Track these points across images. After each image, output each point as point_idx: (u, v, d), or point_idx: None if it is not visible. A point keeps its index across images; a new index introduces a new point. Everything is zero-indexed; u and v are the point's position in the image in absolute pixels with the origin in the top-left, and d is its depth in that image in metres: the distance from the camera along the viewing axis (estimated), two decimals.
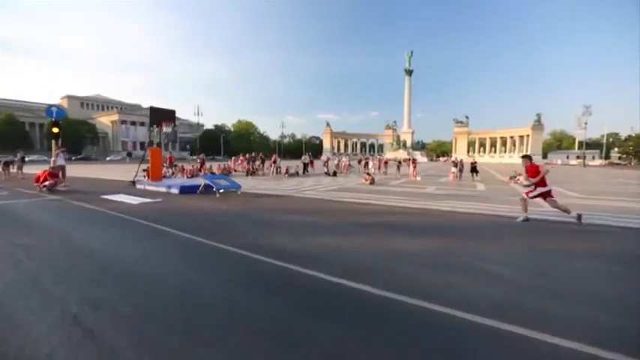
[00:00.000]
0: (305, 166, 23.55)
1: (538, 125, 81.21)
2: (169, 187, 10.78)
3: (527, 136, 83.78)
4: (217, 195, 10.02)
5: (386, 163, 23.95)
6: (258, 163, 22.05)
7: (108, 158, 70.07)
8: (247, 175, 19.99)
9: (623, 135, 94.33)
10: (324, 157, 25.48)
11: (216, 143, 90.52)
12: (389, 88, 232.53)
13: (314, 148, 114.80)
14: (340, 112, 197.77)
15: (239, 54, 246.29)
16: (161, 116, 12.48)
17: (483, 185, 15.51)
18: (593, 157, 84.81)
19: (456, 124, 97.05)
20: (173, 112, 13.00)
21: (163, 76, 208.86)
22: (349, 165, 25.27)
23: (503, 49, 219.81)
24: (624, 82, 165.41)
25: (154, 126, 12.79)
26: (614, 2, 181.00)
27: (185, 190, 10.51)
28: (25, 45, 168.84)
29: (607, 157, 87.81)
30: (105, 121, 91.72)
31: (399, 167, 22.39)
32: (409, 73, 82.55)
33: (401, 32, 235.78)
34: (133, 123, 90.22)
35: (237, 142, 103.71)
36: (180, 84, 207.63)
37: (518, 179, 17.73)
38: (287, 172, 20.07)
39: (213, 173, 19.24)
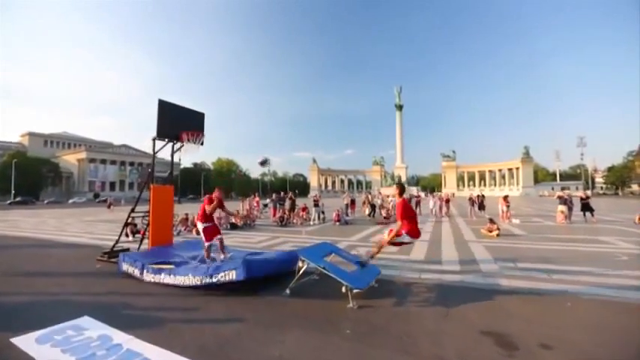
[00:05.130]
0: (345, 207, 17.66)
1: (527, 158, 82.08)
2: (209, 275, 4.33)
3: (517, 168, 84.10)
4: (352, 304, 3.80)
5: (448, 201, 18.56)
6: (288, 204, 15.72)
7: (71, 200, 59.63)
8: (281, 224, 13.61)
9: (589, 166, 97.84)
10: (363, 196, 19.74)
11: (196, 182, 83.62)
12: (362, 127, 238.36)
13: (299, 185, 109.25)
14: (315, 150, 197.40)
15: (217, 97, 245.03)
16: (179, 121, 6.28)
17: None
18: (577, 188, 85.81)
19: (444, 159, 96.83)
20: (202, 115, 6.95)
21: (137, 116, 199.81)
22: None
23: (468, 84, 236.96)
24: (588, 118, 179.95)
25: (165, 145, 6.38)
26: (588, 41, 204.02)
27: (249, 276, 4.17)
28: None
29: (592, 187, 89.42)
30: (71, 159, 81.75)
31: (473, 205, 17.05)
32: (399, 108, 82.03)
33: (374, 74, 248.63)
34: (103, 161, 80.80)
35: (218, 181, 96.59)
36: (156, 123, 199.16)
37: None
38: (338, 219, 13.95)
39: (234, 225, 12.70)
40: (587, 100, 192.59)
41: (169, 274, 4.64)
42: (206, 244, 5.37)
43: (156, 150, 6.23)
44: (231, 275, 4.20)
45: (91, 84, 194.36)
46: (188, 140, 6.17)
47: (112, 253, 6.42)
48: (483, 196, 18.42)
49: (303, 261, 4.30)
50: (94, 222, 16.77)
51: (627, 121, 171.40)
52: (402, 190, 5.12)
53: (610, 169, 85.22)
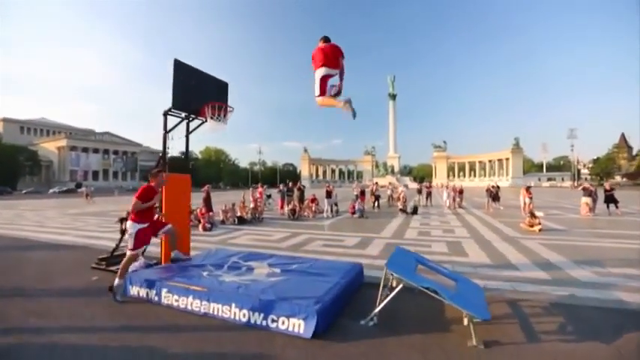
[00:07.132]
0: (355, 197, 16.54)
1: (517, 149, 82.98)
2: (263, 315, 3.01)
3: (507, 159, 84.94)
4: (475, 341, 2.65)
5: (461, 192, 17.73)
6: (297, 195, 14.43)
7: (51, 190, 56.13)
8: (292, 218, 12.37)
9: (571, 158, 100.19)
10: (370, 185, 18.60)
11: (183, 171, 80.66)
12: (351, 118, 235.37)
13: (289, 175, 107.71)
14: (304, 139, 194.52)
15: None
16: (200, 91, 4.79)
17: None
18: (563, 179, 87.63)
19: (435, 149, 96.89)
20: (225, 85, 5.49)
21: (120, 104, 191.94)
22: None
23: (458, 75, 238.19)
24: (571, 111, 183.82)
25: (182, 118, 4.85)
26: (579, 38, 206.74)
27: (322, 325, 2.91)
28: None
29: (578, 178, 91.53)
30: (50, 147, 77.22)
31: (492, 197, 16.25)
32: (393, 97, 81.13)
33: (362, 64, 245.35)
34: (85, 149, 76.66)
35: (206, 171, 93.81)
36: (140, 112, 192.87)
37: None
38: (353, 211, 12.83)
39: (242, 219, 11.37)
40: (573, 94, 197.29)
41: (201, 299, 3.34)
42: (129, 252, 3.85)
43: (168, 128, 4.79)
44: (298, 328, 2.86)
45: (69, 68, 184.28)
46: (212, 116, 4.74)
47: (112, 259, 5.05)
48: (498, 187, 17.67)
49: (397, 279, 3.09)
50: (79, 215, 15.06)
51: (611, 114, 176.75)
52: (325, 38, 3.95)
53: (595, 161, 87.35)
